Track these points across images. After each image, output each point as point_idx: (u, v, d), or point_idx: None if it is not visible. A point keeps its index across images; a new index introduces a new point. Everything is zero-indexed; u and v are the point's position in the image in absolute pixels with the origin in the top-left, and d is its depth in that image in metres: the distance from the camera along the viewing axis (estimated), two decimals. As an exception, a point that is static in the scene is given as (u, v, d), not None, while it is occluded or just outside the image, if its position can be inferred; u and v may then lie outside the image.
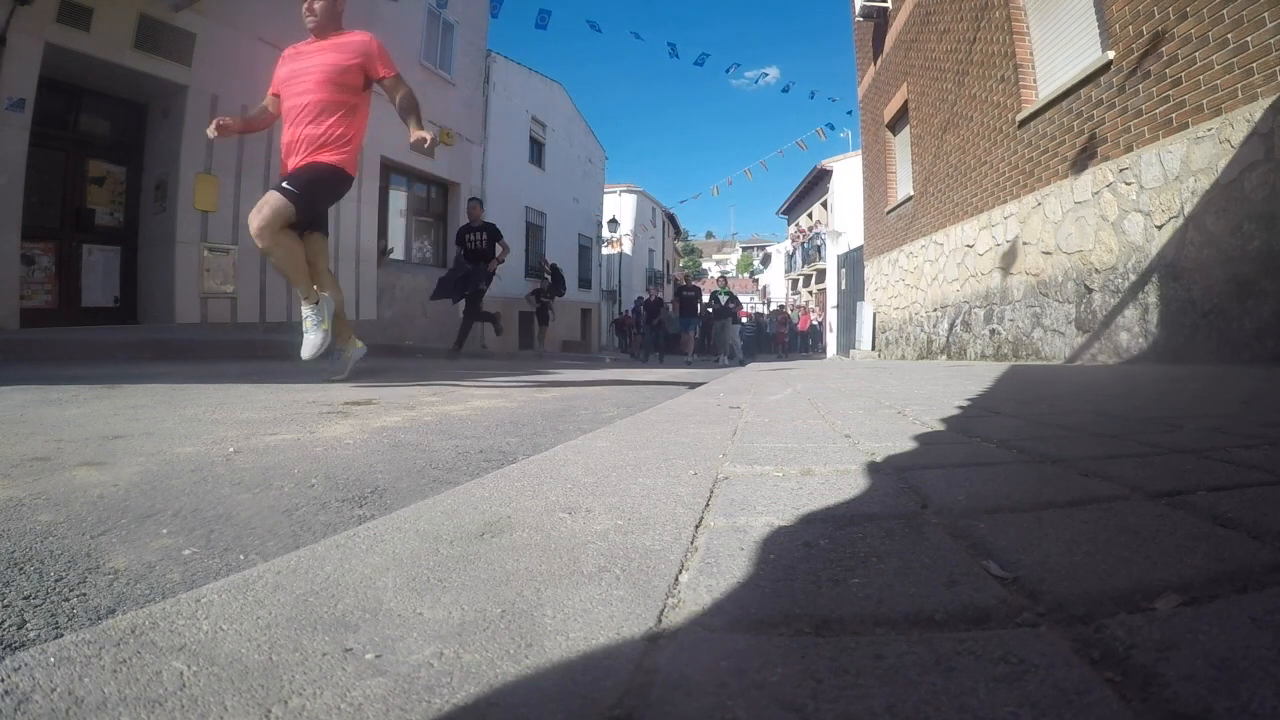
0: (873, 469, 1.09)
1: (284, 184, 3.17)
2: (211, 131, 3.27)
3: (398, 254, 11.45)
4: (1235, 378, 2.71)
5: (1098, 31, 4.83)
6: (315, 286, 3.41)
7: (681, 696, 0.40)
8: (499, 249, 7.51)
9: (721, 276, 15.82)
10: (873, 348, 10.56)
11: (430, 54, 11.79)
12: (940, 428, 1.58)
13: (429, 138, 3.38)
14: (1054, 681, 0.40)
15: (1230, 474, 0.95)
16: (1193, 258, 3.84)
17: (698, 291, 14.71)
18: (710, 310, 14.22)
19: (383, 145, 10.44)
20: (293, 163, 3.29)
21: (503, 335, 8.05)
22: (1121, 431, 1.40)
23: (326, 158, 3.29)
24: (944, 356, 7.62)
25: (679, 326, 14.88)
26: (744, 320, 28.44)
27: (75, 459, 1.41)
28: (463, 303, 7.57)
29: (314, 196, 3.28)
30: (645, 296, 17.12)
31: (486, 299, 7.88)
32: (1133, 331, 4.39)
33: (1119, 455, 1.13)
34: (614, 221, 22.45)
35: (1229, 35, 3.48)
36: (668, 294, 20.63)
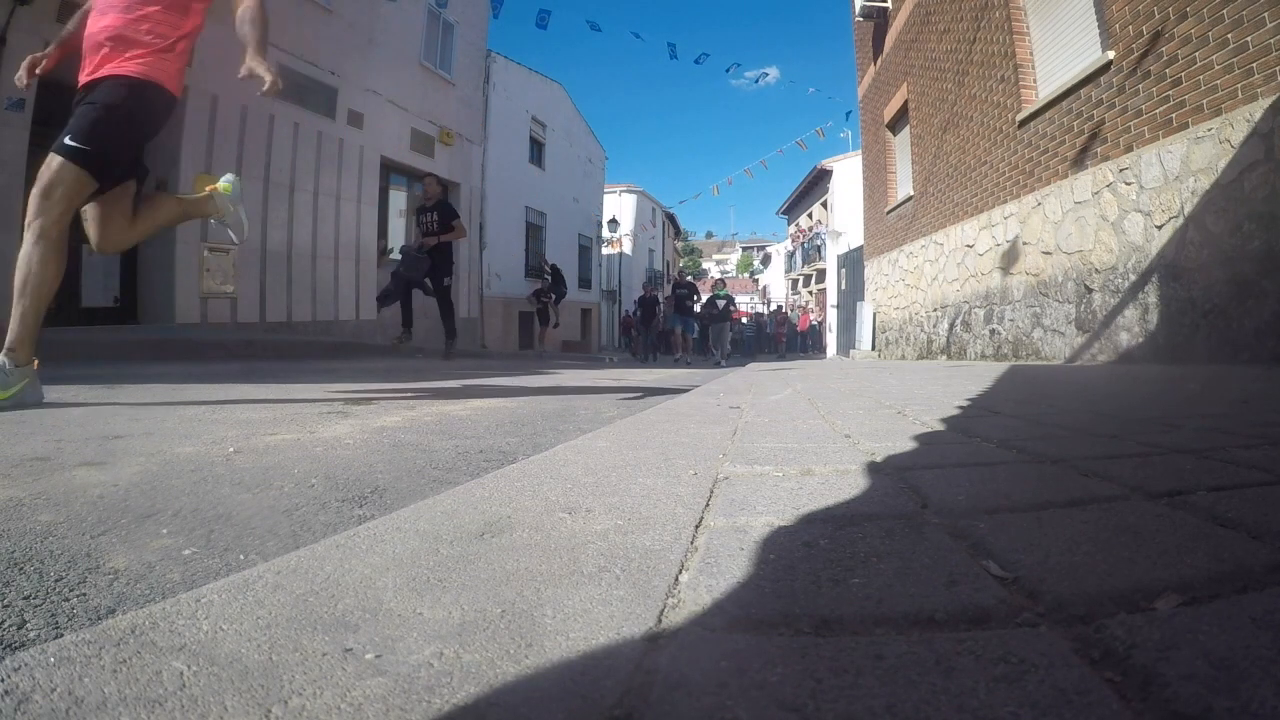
0: (873, 469, 1.09)
1: (66, 137, 2.17)
2: (21, 79, 2.44)
3: (398, 254, 11.45)
4: (1235, 378, 2.71)
5: (1098, 31, 4.83)
6: (162, 213, 2.66)
7: (681, 697, 0.40)
8: (455, 229, 6.79)
9: (720, 279, 14.81)
10: (873, 348, 10.56)
11: (430, 54, 11.79)
12: (940, 428, 1.58)
13: (268, 78, 2.39)
14: (1054, 681, 0.40)
15: (1230, 474, 0.95)
16: (1193, 258, 3.84)
17: (692, 289, 13.79)
18: (712, 312, 13.75)
19: (383, 145, 10.47)
20: (88, 70, 2.29)
21: (453, 349, 7.17)
22: (1121, 431, 1.40)
23: (132, 68, 2.26)
24: (944, 356, 7.62)
25: (672, 324, 13.96)
26: (744, 320, 28.39)
27: (75, 459, 1.41)
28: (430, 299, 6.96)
29: (113, 142, 2.26)
30: (642, 294, 16.53)
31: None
32: (1133, 331, 4.39)
33: (1119, 455, 1.13)
34: (614, 221, 22.45)
35: (1229, 35, 3.48)
36: (667, 292, 20.38)
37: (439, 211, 6.83)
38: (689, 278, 16.10)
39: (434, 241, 6.66)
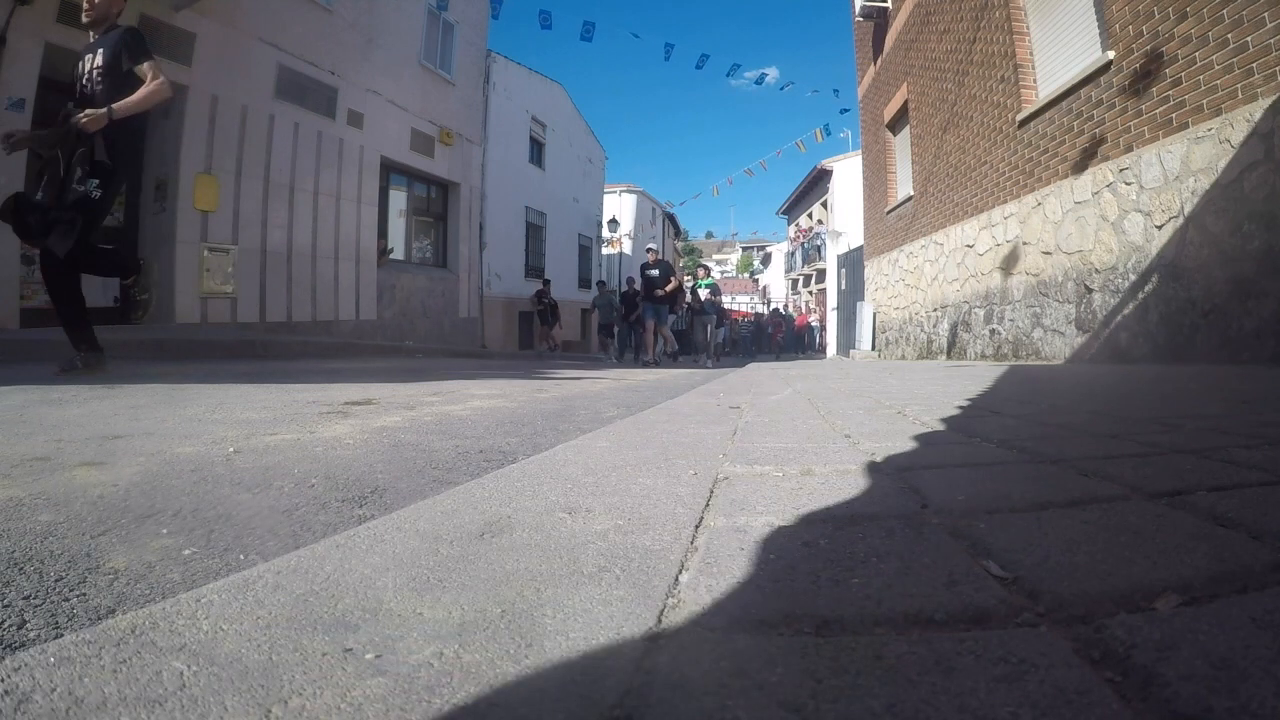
0: (873, 469, 1.09)
1: None
2: None
3: (398, 254, 11.45)
4: (1235, 378, 2.71)
5: (1098, 31, 4.83)
6: None
7: (681, 697, 0.40)
8: (145, 88, 3.17)
9: (704, 266, 12.18)
10: (873, 348, 10.55)
11: (430, 54, 11.79)
12: (940, 428, 1.58)
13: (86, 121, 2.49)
14: (1054, 681, 0.40)
15: (1230, 474, 0.95)
16: (1193, 258, 3.84)
17: (667, 269, 10.41)
18: (693, 305, 11.19)
19: (383, 145, 10.47)
20: None
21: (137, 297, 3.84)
22: (1121, 431, 1.40)
23: None
24: (944, 356, 7.62)
25: (646, 316, 10.46)
26: (741, 320, 28.24)
27: (75, 459, 1.41)
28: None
29: None
30: (625, 288, 13.61)
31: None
32: (1133, 331, 4.39)
33: (1119, 455, 1.13)
34: (614, 221, 22.44)
35: (1229, 35, 3.48)
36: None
37: (113, 49, 3.20)
38: (662, 258, 11.28)
39: (83, 120, 3.02)
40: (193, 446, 1.58)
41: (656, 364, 9.74)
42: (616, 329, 13.92)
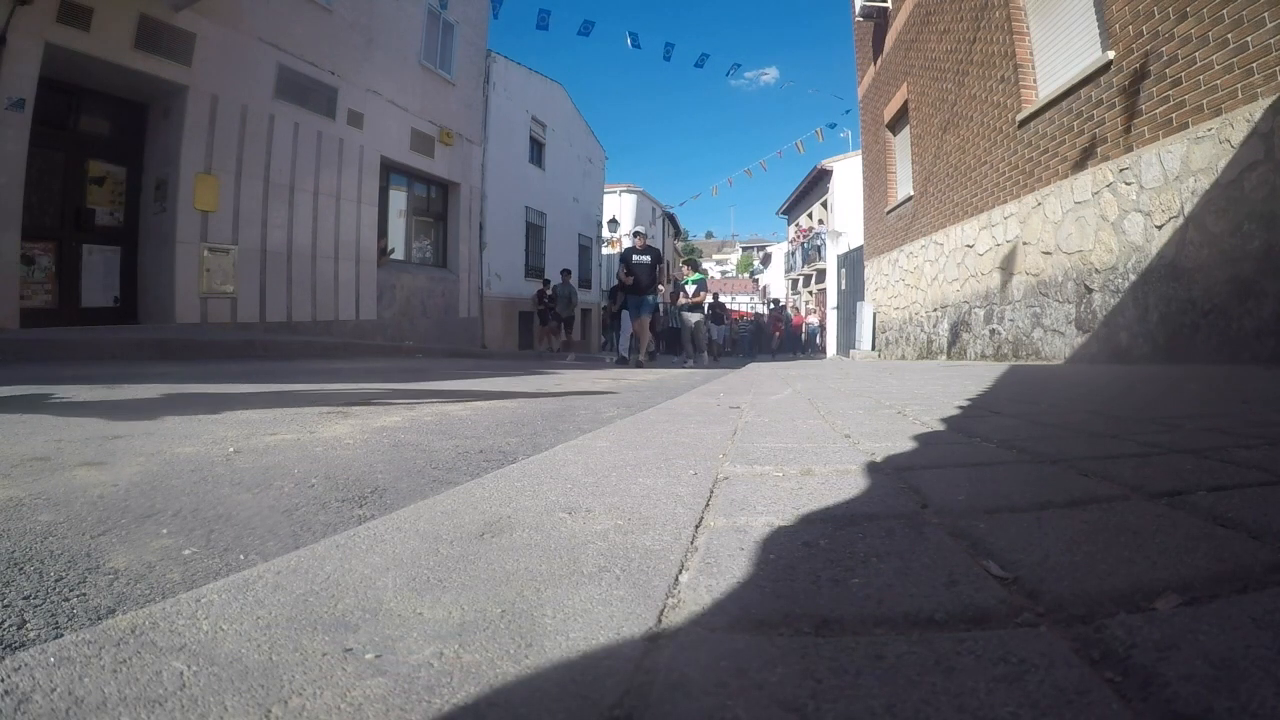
0: (873, 469, 1.09)
1: None
2: None
3: (398, 254, 11.45)
4: (1235, 378, 2.71)
5: (1098, 31, 4.83)
6: None
7: (681, 696, 0.40)
8: None
9: (693, 260, 10.66)
10: (873, 348, 10.55)
11: (430, 54, 11.79)
12: (940, 428, 1.58)
13: None
14: (1054, 681, 0.40)
15: (1230, 474, 0.95)
16: (1193, 258, 3.84)
17: (656, 257, 8.98)
18: (683, 302, 10.29)
19: (383, 145, 10.47)
20: None
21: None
22: (1121, 431, 1.40)
23: None
24: (944, 356, 7.62)
25: (635, 311, 9.08)
26: (741, 320, 28.17)
27: (75, 459, 1.41)
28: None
29: None
30: (616, 282, 11.99)
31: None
32: (1133, 331, 4.39)
33: (1119, 455, 1.13)
34: (614, 221, 22.44)
35: (1229, 35, 3.48)
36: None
37: None
38: (651, 243, 9.40)
39: None
40: (193, 446, 1.58)
41: (651, 361, 9.25)
42: (608, 325, 13.07)
